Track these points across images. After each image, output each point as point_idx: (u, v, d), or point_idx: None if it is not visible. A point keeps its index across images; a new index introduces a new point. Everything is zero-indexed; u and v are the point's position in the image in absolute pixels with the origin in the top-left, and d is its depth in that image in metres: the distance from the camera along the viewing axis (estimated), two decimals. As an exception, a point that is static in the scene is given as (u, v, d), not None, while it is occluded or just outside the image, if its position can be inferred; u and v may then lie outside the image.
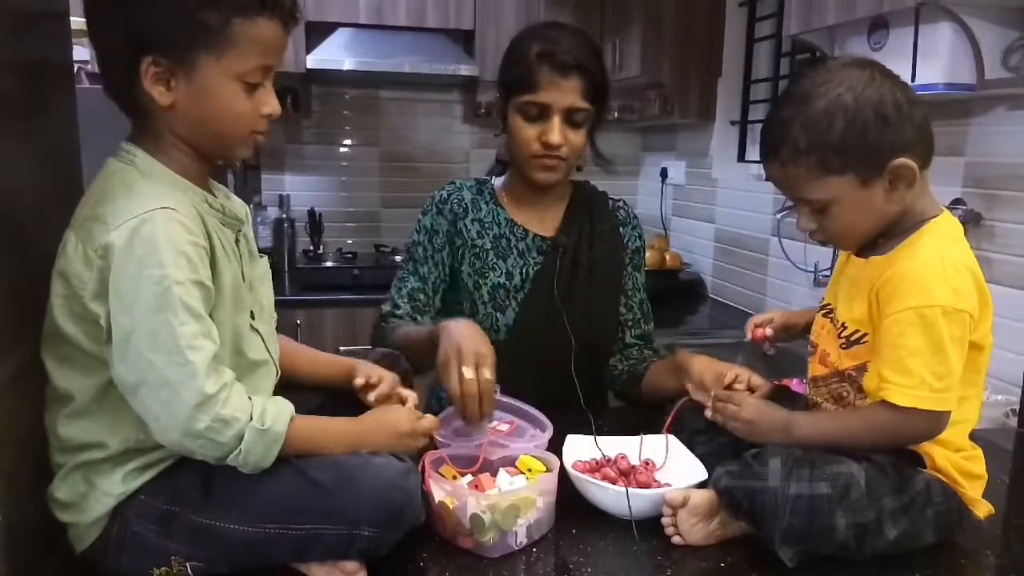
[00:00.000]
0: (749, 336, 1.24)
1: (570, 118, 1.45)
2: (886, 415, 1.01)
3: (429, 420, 1.10)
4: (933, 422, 1.01)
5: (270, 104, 0.99)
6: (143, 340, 0.87)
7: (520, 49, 1.47)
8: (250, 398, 0.92)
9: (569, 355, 1.45)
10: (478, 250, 1.56)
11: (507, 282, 1.54)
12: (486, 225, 1.57)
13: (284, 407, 0.95)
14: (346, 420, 1.04)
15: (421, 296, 1.56)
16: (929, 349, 0.98)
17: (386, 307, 1.58)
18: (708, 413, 1.17)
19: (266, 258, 1.14)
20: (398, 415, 1.08)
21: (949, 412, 1.00)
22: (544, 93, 1.43)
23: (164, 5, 0.91)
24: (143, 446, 0.94)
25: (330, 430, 1.01)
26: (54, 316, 0.92)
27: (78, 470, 0.95)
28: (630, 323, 1.64)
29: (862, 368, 1.07)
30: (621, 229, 1.64)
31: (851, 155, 1.00)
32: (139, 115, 0.98)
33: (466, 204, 1.58)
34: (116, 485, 0.94)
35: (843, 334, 1.10)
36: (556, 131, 1.44)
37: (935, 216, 1.06)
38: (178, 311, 0.87)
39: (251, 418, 0.90)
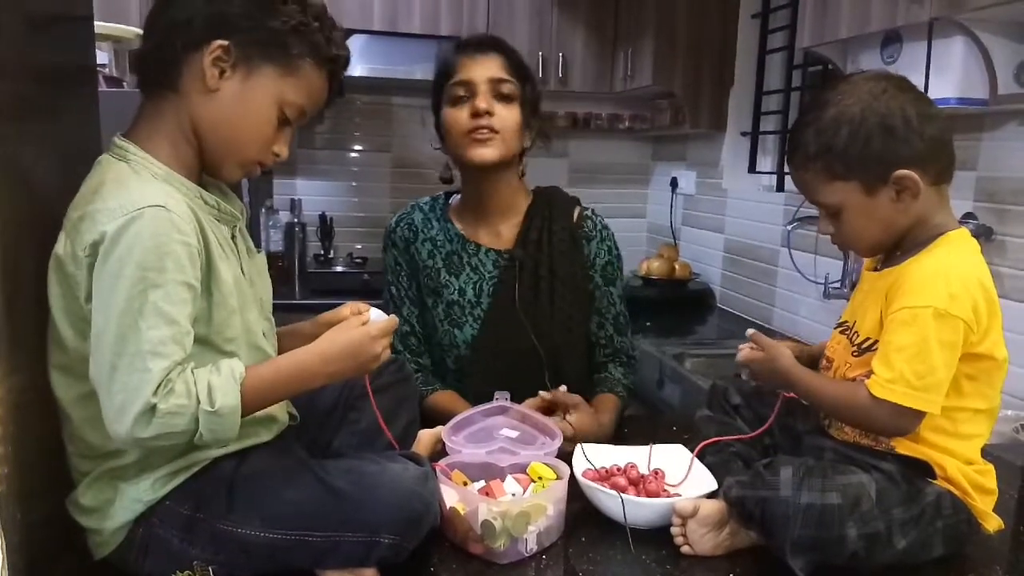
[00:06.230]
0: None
1: (497, 91, 1.47)
2: (864, 400, 1.03)
3: (382, 323, 1.02)
4: (903, 419, 1.02)
5: (283, 147, 1.04)
6: (111, 342, 0.86)
7: (440, 53, 1.57)
8: (193, 373, 0.88)
9: (538, 368, 1.44)
10: (429, 270, 1.56)
11: (460, 298, 1.54)
12: (438, 244, 1.57)
13: (230, 375, 0.90)
14: (306, 353, 0.97)
15: (412, 340, 1.58)
16: (914, 347, 1.00)
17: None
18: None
19: (263, 254, 1.15)
20: (355, 342, 0.99)
21: (923, 413, 1.01)
22: (464, 70, 1.48)
23: (262, 9, 0.96)
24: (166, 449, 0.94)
25: (291, 372, 0.96)
26: (53, 319, 0.92)
27: (105, 476, 0.96)
28: (603, 341, 1.61)
29: (871, 374, 1.08)
30: (586, 243, 1.59)
31: (854, 162, 1.04)
32: (162, 91, 0.98)
33: (416, 226, 1.59)
34: (145, 492, 0.94)
35: (855, 341, 1.11)
36: (482, 97, 1.46)
37: (951, 231, 1.07)
38: (148, 316, 0.86)
39: (199, 401, 0.86)
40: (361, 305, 1.08)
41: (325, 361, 0.98)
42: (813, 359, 1.21)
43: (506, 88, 1.48)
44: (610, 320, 1.61)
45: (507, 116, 1.48)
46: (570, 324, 1.55)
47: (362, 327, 1.01)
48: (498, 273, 1.54)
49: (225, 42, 0.94)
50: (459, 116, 1.47)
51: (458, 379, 1.55)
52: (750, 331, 1.17)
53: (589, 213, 1.64)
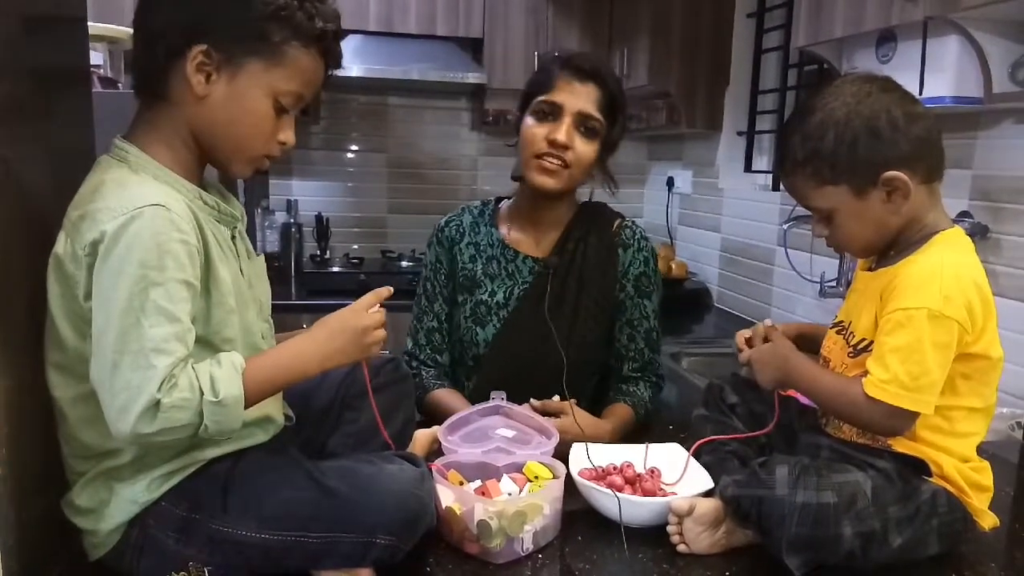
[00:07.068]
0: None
1: (582, 125, 1.45)
2: (858, 398, 1.03)
3: (368, 295, 1.02)
4: (896, 419, 1.02)
5: (288, 134, 1.02)
6: (113, 340, 0.85)
7: (544, 60, 1.53)
8: (194, 368, 0.88)
9: (558, 374, 1.43)
10: (468, 271, 1.58)
11: (490, 299, 1.55)
12: (481, 248, 1.58)
13: (231, 365, 0.90)
14: (300, 340, 0.98)
15: (437, 336, 1.59)
16: (908, 348, 1.00)
17: (409, 344, 1.60)
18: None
19: (263, 257, 1.14)
20: (344, 318, 1.00)
21: (917, 413, 1.01)
22: (558, 93, 1.45)
23: (235, 4, 0.94)
24: (162, 449, 0.94)
25: (289, 360, 0.96)
26: (52, 318, 0.92)
27: (100, 477, 0.95)
28: (632, 354, 1.58)
29: (866, 374, 1.08)
30: (621, 251, 1.58)
31: (842, 166, 1.04)
32: (155, 100, 0.97)
33: (464, 229, 1.61)
34: (141, 493, 0.94)
35: (851, 342, 1.11)
36: (564, 130, 1.43)
37: (945, 230, 1.07)
38: (150, 313, 0.86)
39: (202, 393, 0.87)
40: None
41: (318, 340, 0.98)
42: (815, 339, 1.21)
43: (591, 124, 1.45)
44: (642, 334, 1.58)
45: (583, 152, 1.46)
46: (589, 336, 1.55)
47: (354, 316, 1.01)
48: (532, 279, 1.55)
49: (204, 46, 0.93)
50: (536, 133, 1.46)
51: (474, 379, 1.56)
52: (768, 321, 1.18)
53: (630, 223, 1.63)
